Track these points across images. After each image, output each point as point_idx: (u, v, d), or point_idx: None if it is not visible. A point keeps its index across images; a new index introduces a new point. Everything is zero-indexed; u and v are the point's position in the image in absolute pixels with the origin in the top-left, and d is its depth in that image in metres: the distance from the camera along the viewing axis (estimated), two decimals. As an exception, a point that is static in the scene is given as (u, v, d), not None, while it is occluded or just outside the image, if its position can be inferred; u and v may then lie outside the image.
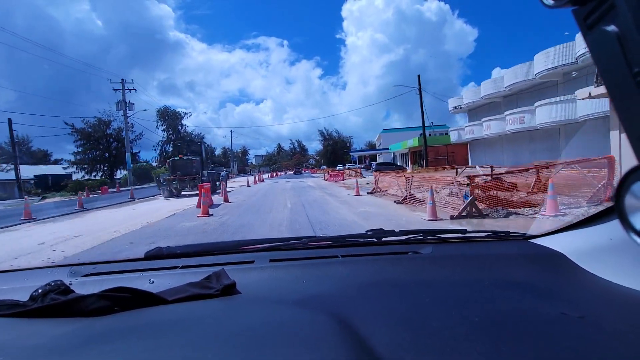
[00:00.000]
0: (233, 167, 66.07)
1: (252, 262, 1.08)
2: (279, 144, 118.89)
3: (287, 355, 0.54)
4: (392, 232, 1.28)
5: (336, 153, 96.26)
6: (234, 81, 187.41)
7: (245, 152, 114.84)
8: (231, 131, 65.96)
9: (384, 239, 1.26)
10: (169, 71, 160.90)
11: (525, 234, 1.26)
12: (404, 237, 1.27)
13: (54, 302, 0.70)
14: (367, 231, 1.30)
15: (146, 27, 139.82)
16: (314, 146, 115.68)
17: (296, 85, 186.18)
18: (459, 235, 1.31)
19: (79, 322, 0.66)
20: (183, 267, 1.06)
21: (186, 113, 60.80)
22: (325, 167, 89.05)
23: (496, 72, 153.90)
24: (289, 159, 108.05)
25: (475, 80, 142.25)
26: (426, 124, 30.49)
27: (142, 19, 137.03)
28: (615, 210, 0.45)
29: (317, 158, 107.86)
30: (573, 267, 0.94)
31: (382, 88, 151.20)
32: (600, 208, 0.98)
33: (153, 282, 0.95)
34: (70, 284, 0.83)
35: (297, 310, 0.73)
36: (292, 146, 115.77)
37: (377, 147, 70.17)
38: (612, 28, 0.40)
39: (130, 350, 0.56)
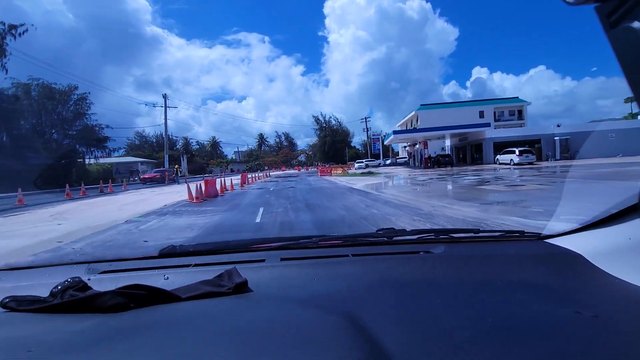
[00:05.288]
0: (181, 162, 39.22)
1: (263, 260, 1.08)
2: (261, 134, 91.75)
3: (298, 353, 0.54)
4: (403, 232, 1.27)
5: (336, 146, 71.36)
6: (215, 78, 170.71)
7: (216, 145, 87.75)
8: (164, 96, 37.57)
9: (394, 238, 1.24)
10: (145, 67, 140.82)
11: (540, 233, 1.22)
12: (415, 237, 1.25)
13: (73, 299, 0.72)
14: (377, 230, 1.30)
15: (120, 21, 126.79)
16: (300, 143, 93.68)
17: (278, 82, 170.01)
18: (472, 234, 1.27)
19: (97, 318, 0.68)
20: (196, 265, 1.06)
21: (16, 27, 25.11)
22: (321, 163, 64.25)
23: (476, 71, 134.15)
24: (274, 155, 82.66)
25: (457, 80, 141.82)
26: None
27: (115, 13, 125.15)
28: (638, 212, 0.43)
29: (310, 153, 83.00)
30: (590, 267, 0.91)
31: (365, 86, 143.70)
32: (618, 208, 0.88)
33: (167, 278, 0.96)
34: (89, 280, 0.85)
35: (308, 309, 0.73)
36: (278, 140, 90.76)
37: (415, 128, 44.36)
38: (637, 25, 0.40)
39: (145, 346, 0.57)
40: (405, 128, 53.09)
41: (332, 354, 0.54)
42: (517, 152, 25.86)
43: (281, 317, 0.69)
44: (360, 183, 17.14)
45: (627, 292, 0.77)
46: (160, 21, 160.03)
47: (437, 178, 17.76)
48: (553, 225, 1.29)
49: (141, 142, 75.22)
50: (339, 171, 32.11)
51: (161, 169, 29.75)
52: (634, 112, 46.36)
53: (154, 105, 39.16)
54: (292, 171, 54.63)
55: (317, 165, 60.87)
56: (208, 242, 1.25)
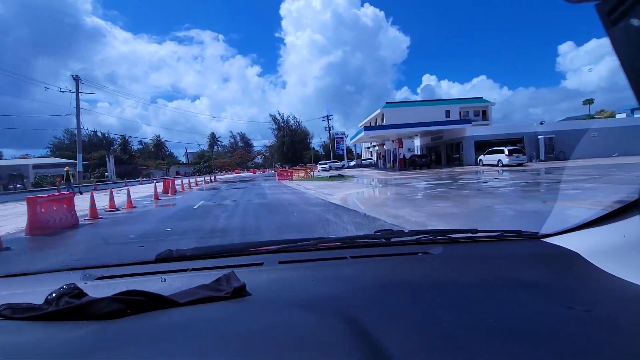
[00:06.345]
0: (107, 164, 30.04)
1: (262, 264, 1.06)
2: (212, 133, 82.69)
3: (299, 357, 0.54)
4: (401, 233, 1.26)
5: (295, 147, 65.78)
6: (165, 75, 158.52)
7: (160, 145, 77.07)
8: (76, 78, 28.92)
9: (393, 240, 1.22)
10: (85, 61, 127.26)
11: (537, 233, 1.20)
12: (413, 237, 1.23)
13: (69, 306, 0.70)
14: (375, 232, 1.27)
15: (55, 9, 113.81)
16: (256, 145, 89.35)
17: (233, 82, 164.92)
18: (470, 235, 1.24)
19: (93, 325, 0.66)
20: (193, 269, 1.04)
21: None
22: (280, 165, 58.20)
23: (426, 79, 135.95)
24: (228, 157, 74.86)
25: (408, 86, 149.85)
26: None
27: (49, 0, 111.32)
28: (638, 209, 0.44)
29: (267, 154, 76.41)
30: (588, 266, 0.90)
31: (321, 89, 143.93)
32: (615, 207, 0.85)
33: (165, 281, 0.94)
34: (84, 286, 0.83)
35: (307, 312, 0.72)
36: (232, 140, 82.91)
37: (388, 125, 39.90)
38: (637, 22, 0.40)
39: (143, 353, 0.56)
40: (369, 123, 48.88)
41: (333, 356, 0.53)
42: (506, 152, 22.08)
43: (280, 320, 0.68)
44: (337, 193, 11.46)
45: (623, 290, 0.76)
46: (102, 12, 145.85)
47: (440, 184, 12.65)
48: (550, 225, 1.21)
49: (72, 141, 63.51)
50: (302, 174, 26.21)
51: None
52: (591, 113, 46.76)
53: (61, 90, 29.97)
54: (246, 174, 47.68)
55: (275, 167, 54.67)
56: (205, 246, 1.20)
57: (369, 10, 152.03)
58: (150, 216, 8.34)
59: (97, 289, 0.87)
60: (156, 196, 12.50)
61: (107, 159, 41.16)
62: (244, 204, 9.71)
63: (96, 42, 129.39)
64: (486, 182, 12.84)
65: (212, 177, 30.11)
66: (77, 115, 29.66)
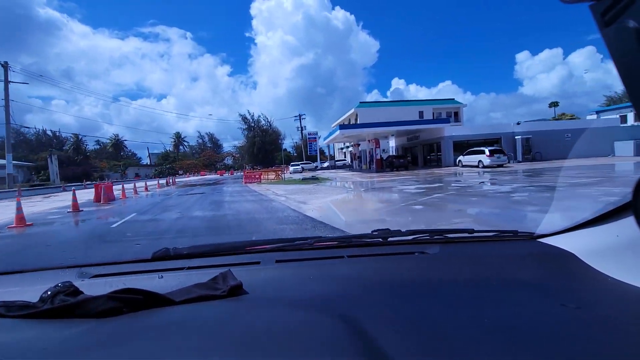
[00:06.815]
0: (49, 165, 24.79)
1: (258, 262, 1.05)
2: (178, 132, 77.17)
3: (295, 356, 0.54)
4: (398, 232, 1.25)
5: (266, 148, 62.85)
6: (129, 73, 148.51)
7: (119, 145, 70.81)
8: (4, 65, 24.76)
9: (390, 239, 1.22)
10: (38, 55, 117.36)
11: (533, 233, 1.20)
12: (410, 237, 1.23)
13: (64, 304, 0.69)
14: (373, 231, 1.25)
15: None
16: (226, 146, 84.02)
17: (202, 81, 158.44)
18: (466, 235, 1.25)
19: (88, 324, 0.66)
20: (190, 268, 1.03)
21: None
22: (250, 167, 55.15)
23: (395, 82, 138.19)
24: (196, 158, 70.29)
25: (379, 89, 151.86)
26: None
27: None
28: (632, 209, 0.44)
29: (237, 155, 72.67)
30: (584, 267, 0.90)
31: (292, 90, 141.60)
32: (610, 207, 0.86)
33: (162, 277, 0.94)
34: (80, 284, 0.83)
35: (304, 311, 0.72)
36: (200, 141, 78.16)
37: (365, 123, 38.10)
38: (632, 23, 0.39)
39: (138, 351, 0.55)
40: (344, 123, 47.18)
41: (329, 355, 0.53)
42: (487, 153, 21.00)
43: (277, 320, 0.68)
44: (313, 200, 9.19)
45: (616, 289, 0.77)
46: (57, 3, 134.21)
47: (432, 188, 10.75)
48: (546, 225, 1.21)
49: (17, 140, 56.19)
50: (272, 176, 23.67)
51: None
52: (557, 116, 48.12)
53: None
54: (213, 176, 44.24)
55: (245, 169, 51.52)
56: (202, 244, 1.17)
57: (339, 13, 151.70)
58: (34, 242, 5.58)
59: (93, 287, 0.84)
60: (75, 207, 9.51)
61: (49, 160, 36.09)
62: (188, 218, 7.14)
63: (50, 35, 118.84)
64: (483, 183, 11.18)
65: (170, 180, 26.72)
66: (6, 107, 25.19)
